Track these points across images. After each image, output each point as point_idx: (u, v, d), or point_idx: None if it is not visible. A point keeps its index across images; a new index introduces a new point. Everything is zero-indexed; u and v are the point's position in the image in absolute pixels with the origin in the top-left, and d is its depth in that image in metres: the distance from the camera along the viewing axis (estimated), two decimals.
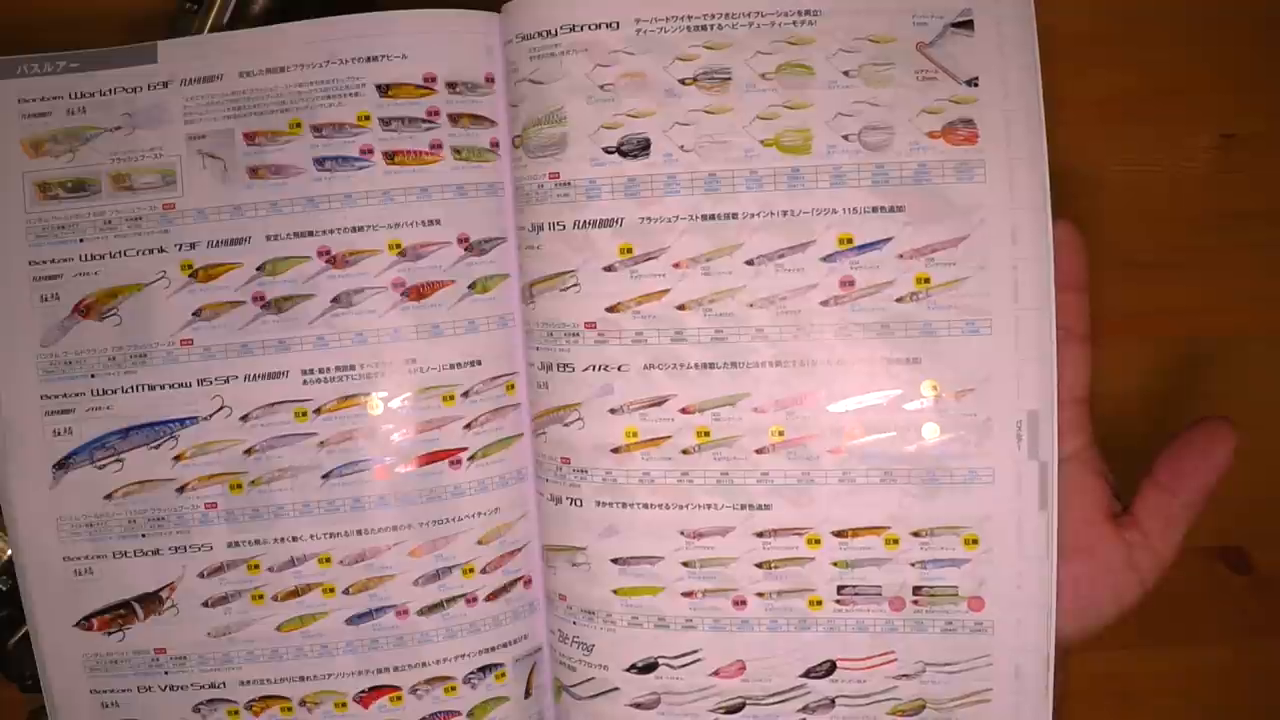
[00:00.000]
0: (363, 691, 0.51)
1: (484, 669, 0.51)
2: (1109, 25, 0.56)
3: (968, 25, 0.47)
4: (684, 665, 0.50)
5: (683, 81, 0.48)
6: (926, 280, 0.47)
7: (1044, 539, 0.47)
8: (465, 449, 0.50)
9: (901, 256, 0.47)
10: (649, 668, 0.50)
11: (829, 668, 0.49)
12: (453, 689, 0.51)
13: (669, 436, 0.49)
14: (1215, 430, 0.47)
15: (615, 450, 0.49)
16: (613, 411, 0.49)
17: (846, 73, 0.47)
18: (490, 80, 0.50)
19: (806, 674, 0.49)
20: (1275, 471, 0.57)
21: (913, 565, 0.48)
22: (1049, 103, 0.47)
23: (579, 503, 0.50)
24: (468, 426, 0.50)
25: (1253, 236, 0.57)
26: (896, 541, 0.48)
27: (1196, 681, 0.61)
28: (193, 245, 0.50)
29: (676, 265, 0.48)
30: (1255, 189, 0.57)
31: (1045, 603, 0.47)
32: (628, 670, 0.50)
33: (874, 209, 0.47)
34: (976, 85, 0.47)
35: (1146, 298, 0.57)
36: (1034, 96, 0.46)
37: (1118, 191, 0.57)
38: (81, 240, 0.50)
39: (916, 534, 0.48)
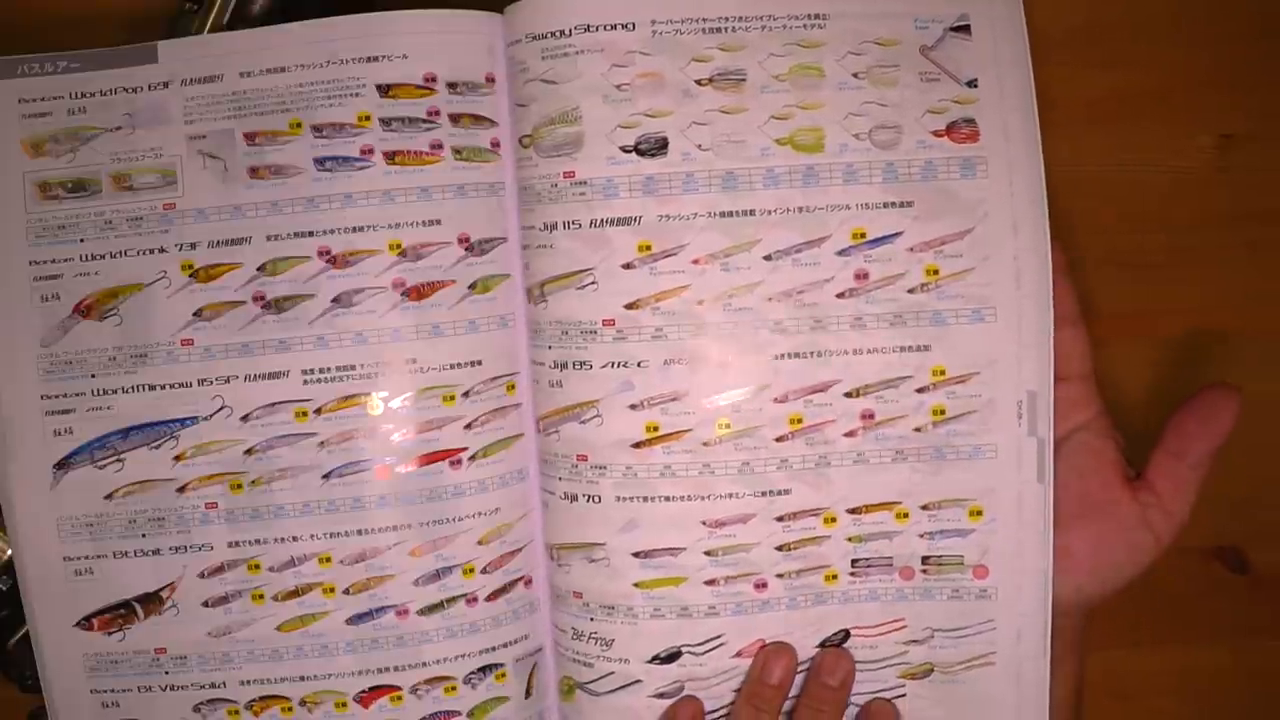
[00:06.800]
0: (363, 691, 0.51)
1: (484, 669, 0.51)
2: (1107, 26, 0.56)
3: (965, 29, 0.49)
4: (707, 651, 0.50)
5: (699, 82, 0.49)
6: (936, 271, 0.49)
7: (1042, 510, 0.49)
8: (465, 449, 0.50)
9: (912, 249, 0.49)
10: (672, 657, 0.50)
11: (843, 636, 0.51)
12: (453, 689, 0.51)
13: (690, 429, 0.49)
14: (1218, 397, 0.49)
15: (636, 445, 0.49)
16: (633, 407, 0.49)
17: (855, 74, 0.49)
18: (491, 80, 0.50)
19: (822, 644, 0.51)
20: (1273, 471, 0.57)
21: (922, 537, 0.50)
22: (1049, 103, 0.48)
23: (597, 499, 0.50)
24: (468, 426, 0.50)
25: (1251, 236, 0.57)
26: (907, 515, 0.50)
27: (1194, 681, 0.61)
28: (193, 245, 0.50)
29: (695, 261, 0.49)
30: (1253, 189, 0.57)
31: (1043, 569, 0.49)
32: (650, 661, 0.51)
33: (885, 204, 0.49)
34: (976, 86, 0.49)
35: (1144, 297, 0.58)
36: (1028, 96, 0.48)
37: (1117, 191, 0.57)
38: (82, 240, 0.50)
39: (925, 507, 0.50)
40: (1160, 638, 0.60)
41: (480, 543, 0.51)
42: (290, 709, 0.51)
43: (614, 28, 0.49)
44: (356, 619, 0.51)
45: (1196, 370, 0.58)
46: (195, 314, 0.50)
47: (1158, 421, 0.50)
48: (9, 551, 0.51)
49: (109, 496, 0.50)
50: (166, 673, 0.51)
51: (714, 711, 0.51)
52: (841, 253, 0.49)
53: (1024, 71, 0.48)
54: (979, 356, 0.49)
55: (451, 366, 0.50)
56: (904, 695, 0.51)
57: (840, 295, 0.49)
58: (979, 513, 0.49)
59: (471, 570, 0.51)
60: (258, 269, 0.50)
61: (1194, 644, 0.60)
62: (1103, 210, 0.57)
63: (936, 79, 0.49)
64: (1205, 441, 0.49)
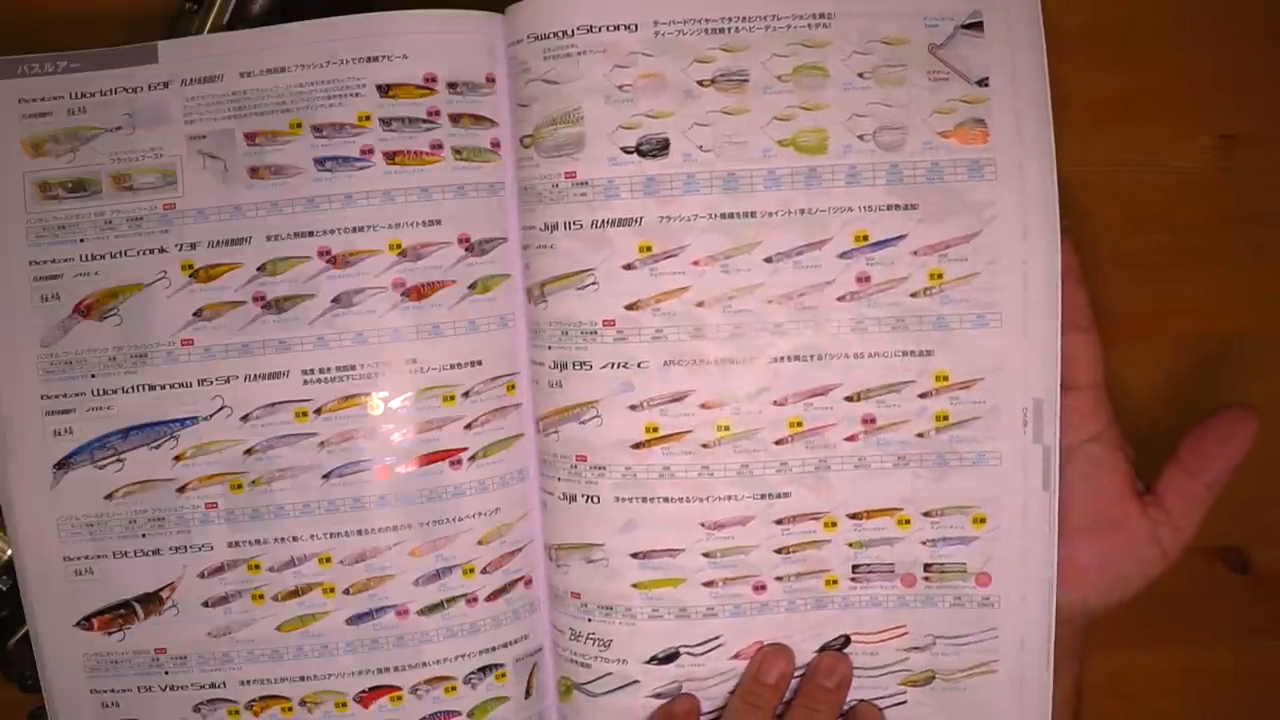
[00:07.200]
0: (363, 691, 0.51)
1: (484, 669, 0.51)
2: (1110, 27, 0.56)
3: (978, 26, 0.48)
4: (705, 652, 0.50)
5: (701, 83, 0.49)
6: (940, 275, 0.48)
7: (1047, 518, 0.48)
8: (465, 449, 0.50)
9: (915, 253, 0.48)
10: (670, 657, 0.51)
11: (844, 641, 0.51)
12: (453, 689, 0.51)
13: (689, 431, 0.49)
14: (1238, 416, 0.49)
15: (636, 446, 0.49)
16: (633, 408, 0.49)
17: (861, 74, 0.48)
18: (491, 80, 0.50)
19: (822, 649, 0.51)
20: (1275, 472, 0.57)
21: (924, 544, 0.50)
22: (1055, 103, 0.47)
23: (596, 499, 0.50)
24: (468, 427, 0.50)
25: (1255, 237, 0.57)
26: (909, 522, 0.50)
27: (1196, 681, 0.61)
28: (193, 245, 0.50)
29: (696, 263, 0.49)
30: (1257, 190, 0.57)
31: (1047, 577, 0.49)
32: (648, 662, 0.51)
33: (889, 207, 0.48)
34: (987, 85, 0.48)
35: (1146, 298, 0.57)
36: (1042, 95, 0.48)
37: (1119, 192, 0.57)
38: (82, 240, 0.50)
39: (928, 514, 0.50)
40: (1162, 638, 0.60)
41: (480, 543, 0.51)
42: (290, 709, 0.51)
43: (616, 28, 0.48)
44: (356, 619, 0.51)
45: (1201, 372, 0.58)
46: (195, 314, 0.50)
47: (1163, 424, 0.50)
48: (9, 551, 0.51)
49: (109, 496, 0.50)
50: (166, 673, 0.51)
51: (711, 712, 0.51)
52: (843, 255, 0.48)
53: (1039, 70, 0.48)
54: (983, 362, 0.48)
55: (451, 366, 0.50)
56: (905, 702, 0.51)
57: (841, 298, 0.49)
58: (982, 520, 0.49)
59: (471, 570, 0.51)
60: (258, 269, 0.50)
61: (1196, 644, 0.60)
62: (1107, 211, 0.56)
63: (945, 78, 0.48)
64: (1224, 460, 0.49)
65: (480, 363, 0.50)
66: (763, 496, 0.49)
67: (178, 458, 0.50)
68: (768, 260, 0.49)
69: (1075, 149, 0.55)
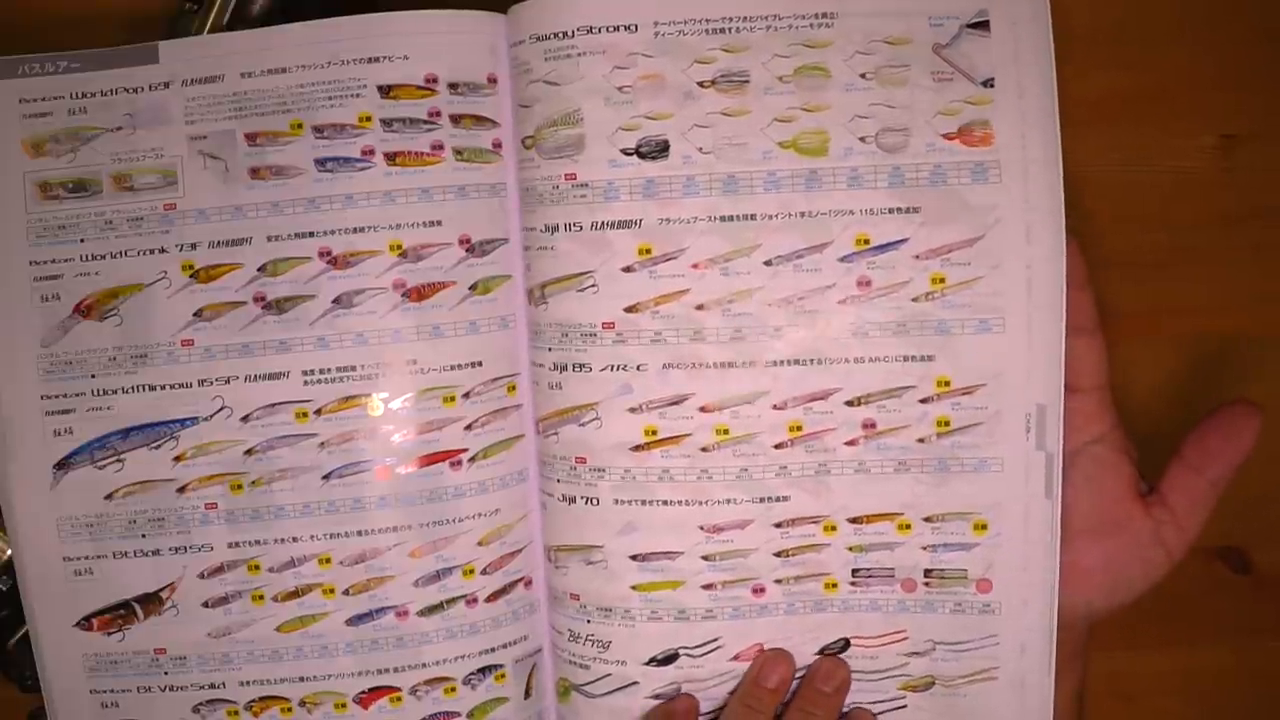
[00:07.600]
0: (363, 692, 0.51)
1: (484, 670, 0.51)
2: (1109, 26, 0.56)
3: (983, 26, 0.48)
4: (705, 654, 0.50)
5: (701, 84, 0.48)
6: (941, 280, 0.48)
7: (1049, 525, 0.48)
8: (466, 450, 0.50)
9: (917, 257, 0.48)
10: (669, 659, 0.50)
11: (843, 645, 0.50)
12: (452, 690, 0.51)
13: (689, 434, 0.49)
14: (1241, 412, 0.49)
15: (635, 449, 0.49)
16: (632, 411, 0.49)
17: (863, 75, 0.48)
18: (493, 81, 0.50)
19: (821, 652, 0.51)
20: (1275, 472, 0.57)
21: (924, 549, 0.49)
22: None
23: (595, 501, 0.50)
24: (468, 428, 0.50)
25: (1253, 237, 0.57)
26: (909, 527, 0.49)
27: (1196, 681, 0.61)
28: (194, 245, 0.50)
29: (695, 266, 0.49)
30: (1258, 189, 0.57)
31: (1049, 583, 0.48)
32: (647, 663, 0.51)
33: (890, 210, 0.48)
34: (992, 86, 0.47)
35: (1146, 298, 0.57)
36: (1049, 96, 0.47)
37: (1119, 192, 0.57)
38: (82, 240, 0.50)
39: (928, 519, 0.49)
40: (1163, 638, 0.60)
41: (480, 544, 0.51)
42: (290, 710, 0.51)
43: (616, 29, 0.48)
44: (356, 620, 0.51)
45: (1201, 372, 0.58)
46: (195, 314, 0.50)
47: (1162, 424, 0.50)
48: (9, 551, 0.51)
49: (109, 497, 0.50)
50: (166, 673, 0.51)
51: (710, 712, 0.51)
52: (844, 259, 0.48)
53: (1046, 70, 0.47)
54: (985, 368, 0.48)
55: (452, 367, 0.50)
56: (904, 707, 0.50)
57: (842, 302, 0.48)
58: (983, 527, 0.49)
59: (471, 571, 0.51)
60: (258, 269, 0.50)
61: (1197, 644, 0.60)
62: (1104, 211, 0.56)
63: (950, 79, 0.48)
64: (1228, 457, 0.48)
65: (481, 364, 0.50)
66: (762, 500, 0.49)
67: (178, 458, 0.50)
68: (768, 263, 0.48)
69: (1076, 149, 0.55)
